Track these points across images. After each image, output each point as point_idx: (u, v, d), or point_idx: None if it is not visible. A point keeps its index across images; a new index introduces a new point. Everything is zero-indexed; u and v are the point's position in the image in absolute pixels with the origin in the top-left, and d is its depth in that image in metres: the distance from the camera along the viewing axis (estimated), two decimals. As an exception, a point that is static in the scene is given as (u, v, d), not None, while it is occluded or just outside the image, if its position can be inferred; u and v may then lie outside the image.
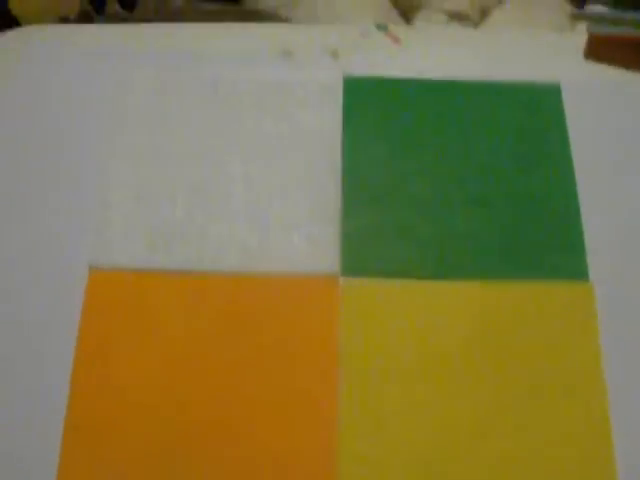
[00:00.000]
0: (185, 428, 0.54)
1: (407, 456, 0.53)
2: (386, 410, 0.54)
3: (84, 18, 0.77)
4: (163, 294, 0.58)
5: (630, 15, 0.65)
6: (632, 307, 0.58)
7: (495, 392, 0.55)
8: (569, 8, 0.79)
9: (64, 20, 0.77)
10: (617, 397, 0.55)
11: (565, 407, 0.55)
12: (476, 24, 0.81)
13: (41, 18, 0.72)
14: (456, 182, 0.62)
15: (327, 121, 0.64)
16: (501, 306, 0.57)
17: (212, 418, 0.54)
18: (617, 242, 0.60)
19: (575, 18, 0.75)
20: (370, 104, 0.65)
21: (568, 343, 0.56)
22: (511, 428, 0.54)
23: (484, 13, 0.82)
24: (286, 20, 0.79)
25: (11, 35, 0.69)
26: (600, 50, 0.67)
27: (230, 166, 0.62)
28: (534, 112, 0.64)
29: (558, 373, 0.56)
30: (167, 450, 0.53)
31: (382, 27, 0.69)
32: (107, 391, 0.55)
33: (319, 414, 0.54)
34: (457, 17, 0.79)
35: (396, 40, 0.68)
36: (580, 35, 0.67)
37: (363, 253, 0.59)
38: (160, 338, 0.57)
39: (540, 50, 0.68)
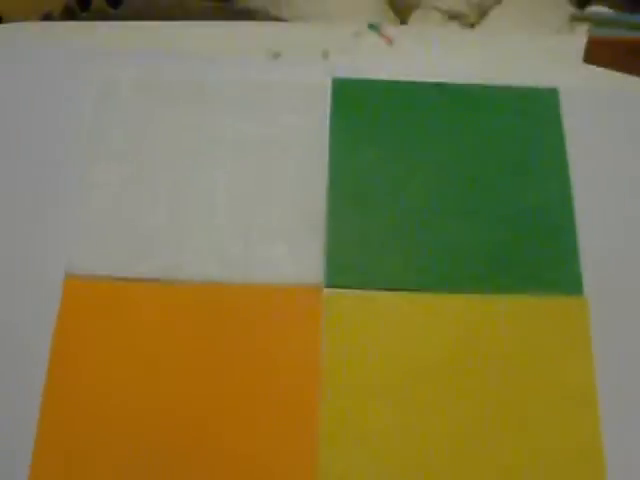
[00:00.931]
0: (161, 440, 0.52)
1: (390, 474, 0.51)
2: (368, 427, 0.52)
3: (67, 14, 0.75)
4: (141, 303, 0.56)
5: (631, 18, 0.62)
6: (626, 322, 0.56)
7: (482, 409, 0.53)
8: (569, 9, 0.77)
9: (47, 17, 0.75)
10: (610, 413, 0.53)
11: (556, 424, 0.53)
12: (474, 24, 0.79)
13: (24, 15, 0.70)
14: (447, 191, 0.59)
15: (314, 124, 0.61)
16: (491, 320, 0.55)
17: (189, 431, 0.52)
18: (612, 256, 0.58)
19: (575, 20, 0.73)
20: (359, 107, 0.62)
21: (561, 358, 0.54)
22: (498, 446, 0.52)
23: (483, 13, 0.80)
24: (277, 19, 0.77)
25: (-7, 32, 0.68)
26: (600, 53, 0.64)
27: (213, 171, 0.60)
28: (530, 118, 0.62)
29: (549, 389, 0.53)
30: (143, 461, 0.52)
31: (374, 27, 0.66)
32: (81, 402, 0.53)
33: (300, 430, 0.52)
34: (454, 16, 0.77)
35: (389, 40, 0.66)
36: (580, 37, 0.65)
37: (348, 264, 0.57)
38: (137, 349, 0.55)
39: (538, 54, 0.65)
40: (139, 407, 0.53)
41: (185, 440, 0.52)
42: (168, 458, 0.52)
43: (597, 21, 0.65)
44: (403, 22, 0.81)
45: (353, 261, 0.57)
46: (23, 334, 0.55)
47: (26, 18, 0.70)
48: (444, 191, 0.59)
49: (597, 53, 0.64)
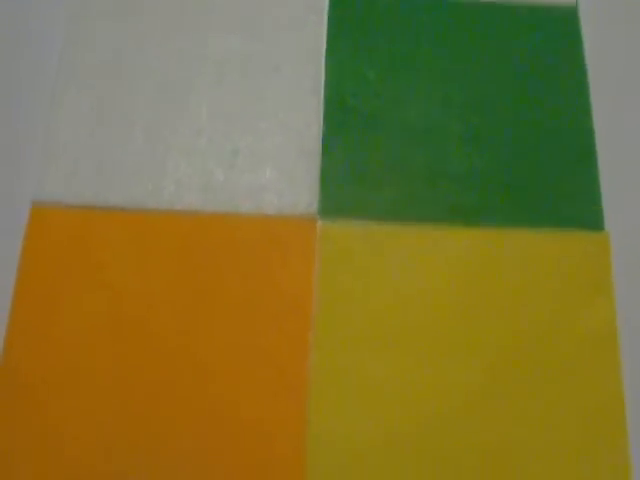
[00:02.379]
0: (135, 387, 0.47)
1: (383, 432, 0.46)
2: (363, 376, 0.47)
3: None
4: (114, 234, 0.50)
5: None
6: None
7: (494, 355, 0.47)
8: None
9: None
10: (631, 355, 0.48)
11: (574, 368, 0.47)
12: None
13: None
14: (455, 115, 0.53)
15: (309, 41, 0.55)
16: (504, 256, 0.50)
17: (166, 376, 0.47)
18: (636, 189, 0.52)
19: None
20: (358, 23, 0.56)
21: (580, 297, 0.49)
22: (512, 395, 0.47)
23: None
24: None
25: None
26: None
27: (195, 93, 0.54)
28: (547, 36, 0.56)
29: (567, 329, 0.48)
30: (114, 409, 0.46)
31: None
32: (47, 338, 0.48)
33: (289, 379, 0.47)
34: None
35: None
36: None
37: (345, 193, 0.51)
38: (109, 283, 0.49)
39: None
40: (109, 343, 0.48)
41: (159, 388, 0.47)
42: (141, 402, 0.47)
43: None
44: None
45: (351, 190, 0.51)
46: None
47: None
48: (452, 115, 0.54)
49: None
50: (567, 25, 0.57)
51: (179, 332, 0.48)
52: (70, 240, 0.51)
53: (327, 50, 0.55)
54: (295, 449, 0.46)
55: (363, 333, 0.48)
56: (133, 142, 0.53)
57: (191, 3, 0.57)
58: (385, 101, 0.54)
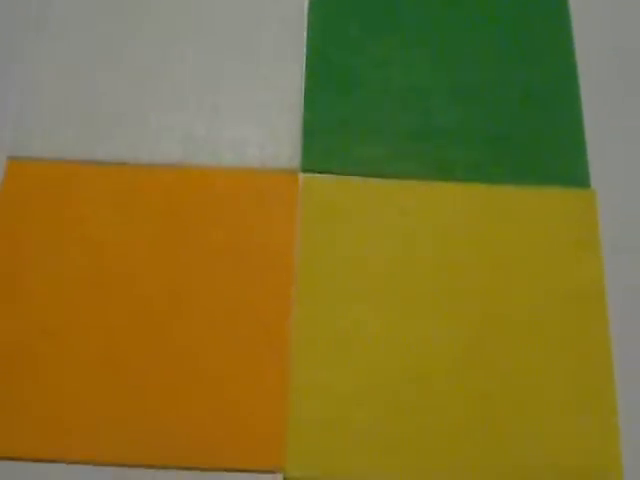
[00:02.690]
0: (116, 339, 0.46)
1: (366, 384, 0.45)
2: (346, 331, 0.46)
3: None
4: (92, 189, 0.50)
5: None
6: (637, 214, 0.50)
7: (482, 310, 0.47)
8: None
9: None
10: (618, 310, 0.47)
11: (563, 322, 0.47)
12: None
13: None
14: (439, 69, 0.53)
15: (292, -4, 0.55)
16: (491, 212, 0.49)
17: (148, 328, 0.46)
18: (621, 146, 0.52)
19: None
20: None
21: (568, 253, 0.48)
22: (502, 349, 0.46)
23: None
24: None
25: None
26: None
27: (177, 46, 0.53)
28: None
29: (556, 285, 0.48)
30: (96, 360, 0.45)
31: None
32: (23, 295, 0.47)
33: (270, 335, 0.46)
34: None
35: None
36: None
37: (327, 147, 0.51)
38: (89, 236, 0.48)
39: None
40: (89, 296, 0.47)
41: (142, 342, 0.46)
42: (121, 358, 0.46)
43: None
44: None
45: (334, 144, 0.51)
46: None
47: None
48: (436, 69, 0.53)
49: None
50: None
51: (160, 284, 0.47)
52: (48, 194, 0.50)
53: (310, 6, 0.55)
54: (278, 400, 0.45)
55: (345, 286, 0.47)
56: (113, 96, 0.52)
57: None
58: (369, 58, 0.53)
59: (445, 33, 0.54)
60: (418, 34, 0.54)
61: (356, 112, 0.52)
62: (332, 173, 0.50)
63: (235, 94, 0.52)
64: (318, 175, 0.50)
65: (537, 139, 0.52)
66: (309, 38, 0.54)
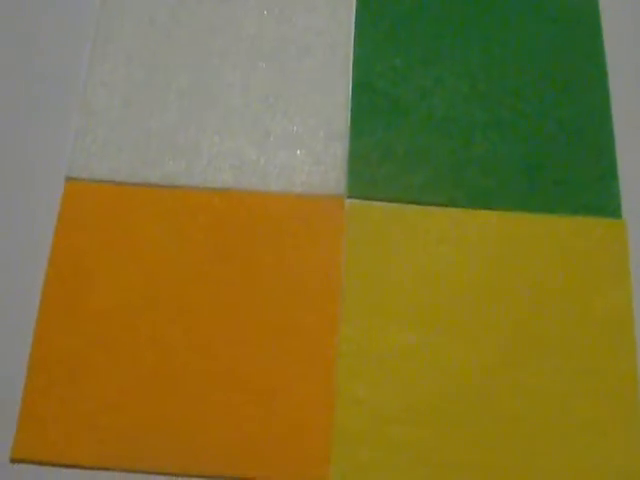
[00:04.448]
0: (167, 357, 0.48)
1: (408, 401, 0.48)
2: (389, 348, 0.49)
3: None
4: (146, 211, 0.52)
5: None
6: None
7: (515, 332, 0.49)
8: None
9: None
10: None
11: (591, 349, 0.49)
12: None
13: None
14: (479, 101, 0.55)
15: (337, 26, 0.57)
16: (525, 240, 0.52)
17: (198, 348, 0.49)
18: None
19: None
20: (386, 9, 0.58)
21: (597, 282, 0.51)
22: (531, 371, 0.48)
23: None
24: None
25: None
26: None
27: (228, 72, 0.56)
28: (570, 26, 0.58)
29: (585, 313, 0.50)
30: (145, 383, 0.48)
31: None
32: (80, 311, 0.49)
33: (318, 351, 0.49)
34: None
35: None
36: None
37: (372, 174, 0.53)
38: (141, 258, 0.51)
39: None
40: (143, 315, 0.49)
41: (194, 357, 0.48)
42: (173, 375, 0.48)
43: None
44: None
45: (378, 171, 0.53)
46: (23, 239, 0.51)
47: None
48: (476, 101, 0.55)
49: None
50: (588, 17, 0.58)
51: (211, 303, 0.49)
52: (104, 216, 0.52)
53: (356, 36, 0.57)
54: (323, 415, 0.47)
55: (388, 307, 0.50)
56: (167, 120, 0.54)
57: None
58: (412, 88, 0.55)
59: (485, 67, 0.56)
60: (459, 67, 0.56)
61: (399, 141, 0.54)
62: (376, 199, 0.52)
63: (284, 122, 0.54)
64: (363, 201, 0.52)
65: (571, 170, 0.54)
66: (355, 68, 0.56)
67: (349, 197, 0.52)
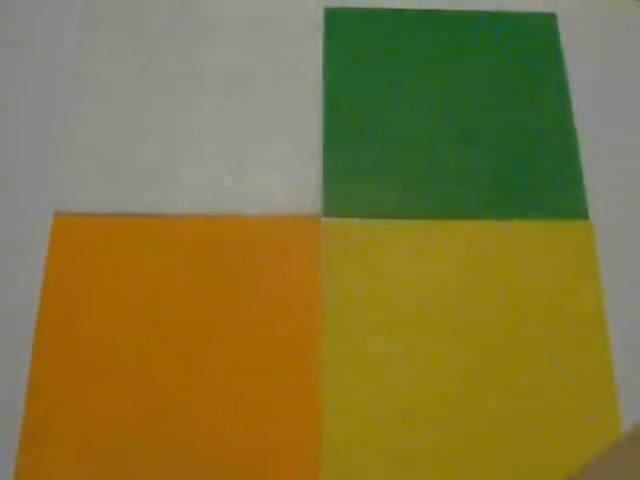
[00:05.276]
0: (158, 381, 0.50)
1: (393, 407, 0.49)
2: (370, 360, 0.51)
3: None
4: (133, 240, 0.54)
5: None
6: (632, 246, 0.54)
7: (491, 337, 0.51)
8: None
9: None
10: (619, 339, 0.51)
11: (566, 350, 0.51)
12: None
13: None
14: (444, 117, 0.58)
15: (307, 55, 0.60)
16: (497, 247, 0.54)
17: (188, 370, 0.50)
18: (617, 180, 0.56)
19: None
20: (352, 36, 0.60)
21: (570, 284, 0.53)
22: (507, 374, 0.50)
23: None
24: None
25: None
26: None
27: (204, 103, 0.58)
28: (529, 43, 0.60)
29: (559, 314, 0.52)
30: (137, 409, 0.49)
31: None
32: (73, 343, 0.51)
33: (302, 365, 0.51)
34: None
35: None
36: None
37: (346, 193, 0.55)
38: (130, 286, 0.53)
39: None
40: (134, 346, 0.51)
41: (182, 381, 0.50)
42: (165, 398, 0.50)
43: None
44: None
45: (352, 190, 0.55)
46: (11, 279, 0.53)
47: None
48: (442, 117, 0.58)
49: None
50: (547, 32, 0.61)
51: (198, 326, 0.51)
52: (92, 247, 0.54)
53: (324, 62, 0.59)
54: (311, 424, 0.49)
55: (369, 318, 0.52)
56: (147, 152, 0.57)
57: (197, 17, 0.61)
58: (380, 107, 0.58)
59: (449, 82, 0.59)
60: (424, 85, 0.59)
61: (371, 158, 0.56)
62: (351, 216, 0.54)
63: (259, 146, 0.56)
64: (338, 219, 0.54)
65: (538, 176, 0.56)
66: (326, 88, 0.58)
67: (325, 215, 0.54)
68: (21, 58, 0.60)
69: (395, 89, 0.58)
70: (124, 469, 0.48)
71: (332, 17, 0.61)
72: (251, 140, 0.57)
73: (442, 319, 0.52)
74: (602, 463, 0.37)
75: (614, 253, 0.54)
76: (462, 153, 0.56)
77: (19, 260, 0.54)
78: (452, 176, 0.56)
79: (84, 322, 0.52)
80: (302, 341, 0.51)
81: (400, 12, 0.61)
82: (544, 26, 0.61)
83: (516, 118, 0.58)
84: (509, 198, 0.55)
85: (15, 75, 0.60)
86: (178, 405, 0.50)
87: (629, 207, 0.56)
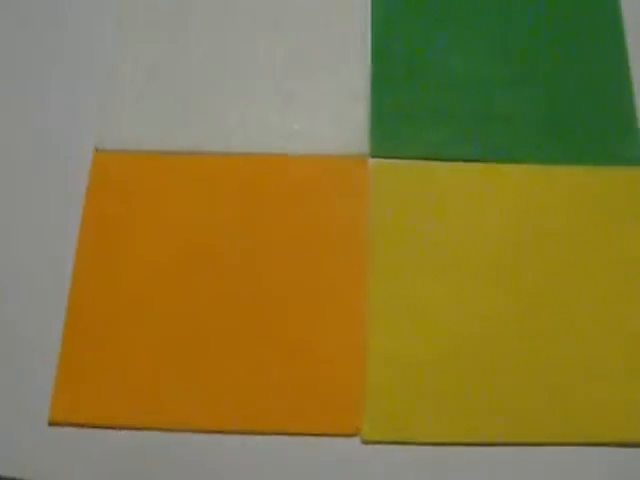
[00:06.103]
0: (198, 319, 0.49)
1: (439, 351, 0.48)
2: (418, 302, 0.49)
3: None
4: (174, 177, 0.53)
5: None
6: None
7: (543, 282, 0.50)
8: None
9: None
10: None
11: (619, 297, 0.49)
12: None
13: None
14: (497, 60, 0.56)
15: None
16: (551, 192, 0.52)
17: (229, 310, 0.49)
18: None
19: None
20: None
21: (623, 229, 0.51)
22: (559, 321, 0.49)
23: None
24: None
25: None
26: None
27: (251, 40, 0.57)
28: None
29: (612, 261, 0.50)
30: (178, 343, 0.48)
31: None
32: (111, 276, 0.50)
33: (347, 308, 0.49)
34: None
35: None
36: None
37: (394, 133, 0.54)
38: (171, 223, 0.51)
39: None
40: (177, 275, 0.50)
41: (226, 316, 0.49)
42: (205, 334, 0.49)
43: None
44: None
45: (400, 130, 0.54)
46: (53, 211, 0.52)
47: None
48: (494, 60, 0.56)
49: None
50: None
51: (243, 266, 0.50)
52: (132, 184, 0.53)
53: (373, 3, 0.58)
54: (355, 368, 0.48)
55: (415, 260, 0.50)
56: (190, 89, 0.55)
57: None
58: (432, 47, 0.56)
59: (504, 25, 0.57)
60: (479, 25, 0.57)
61: (420, 99, 0.55)
62: (399, 157, 0.53)
63: (306, 85, 0.55)
64: (386, 160, 0.53)
65: (591, 122, 0.54)
66: (374, 28, 0.57)
67: (372, 156, 0.53)
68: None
69: (448, 28, 0.57)
70: (162, 404, 0.47)
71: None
72: (297, 78, 0.56)
73: (489, 263, 0.50)
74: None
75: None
76: (514, 95, 0.55)
77: (60, 197, 0.53)
78: (503, 119, 0.54)
79: (123, 258, 0.51)
80: (348, 283, 0.50)
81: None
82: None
83: (570, 62, 0.56)
84: (560, 143, 0.54)
85: (59, 11, 0.59)
86: (219, 342, 0.49)
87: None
